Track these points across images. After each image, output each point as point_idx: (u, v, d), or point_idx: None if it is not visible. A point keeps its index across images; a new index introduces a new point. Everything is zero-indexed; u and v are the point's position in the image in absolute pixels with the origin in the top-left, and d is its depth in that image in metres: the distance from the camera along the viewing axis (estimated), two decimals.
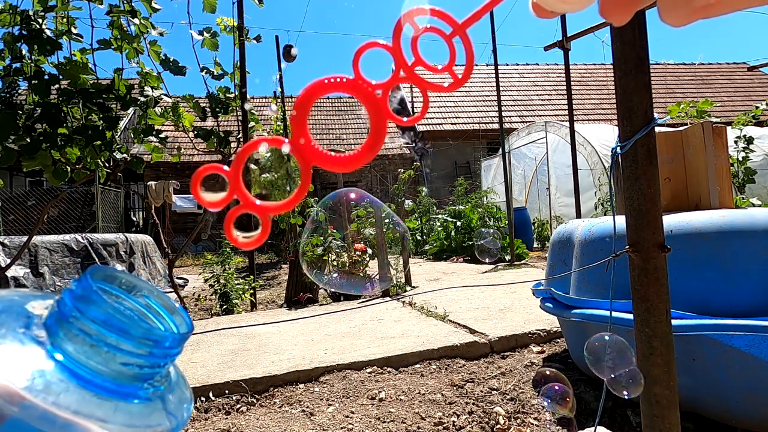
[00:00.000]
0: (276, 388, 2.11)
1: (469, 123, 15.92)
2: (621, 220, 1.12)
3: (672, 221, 1.48)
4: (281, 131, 6.93)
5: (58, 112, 2.63)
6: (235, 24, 4.26)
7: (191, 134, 3.67)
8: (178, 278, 6.12)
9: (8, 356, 0.19)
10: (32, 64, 2.67)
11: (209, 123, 3.69)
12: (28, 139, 2.61)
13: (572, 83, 5.67)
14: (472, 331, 2.63)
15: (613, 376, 0.86)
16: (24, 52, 2.64)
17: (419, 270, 6.35)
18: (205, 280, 4.38)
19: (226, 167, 0.25)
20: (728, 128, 4.13)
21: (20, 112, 2.60)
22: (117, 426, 0.20)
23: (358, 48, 0.27)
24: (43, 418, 0.18)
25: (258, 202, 0.24)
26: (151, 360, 0.22)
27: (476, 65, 18.09)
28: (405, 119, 0.28)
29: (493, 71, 6.87)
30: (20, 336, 0.20)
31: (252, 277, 4.47)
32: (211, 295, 4.38)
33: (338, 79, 0.25)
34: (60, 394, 0.19)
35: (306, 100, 0.25)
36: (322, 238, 4.52)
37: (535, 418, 1.70)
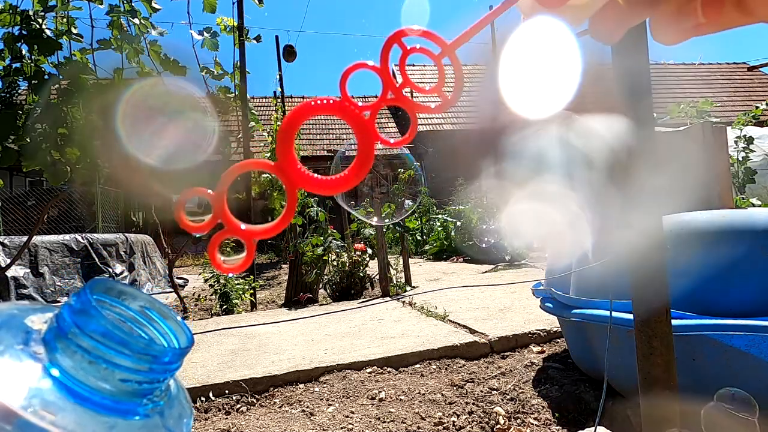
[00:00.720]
0: (276, 388, 2.11)
1: (469, 123, 15.92)
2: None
3: (672, 221, 1.48)
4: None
5: (58, 112, 2.63)
6: (235, 24, 4.26)
7: None
8: (178, 278, 6.12)
9: (5, 373, 0.19)
10: (32, 64, 2.67)
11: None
12: (28, 139, 2.61)
13: None
14: (472, 331, 2.63)
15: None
16: (24, 52, 2.64)
17: (419, 270, 6.35)
18: (205, 280, 4.38)
19: (210, 190, 0.24)
20: (728, 128, 4.12)
21: (20, 112, 2.60)
22: None
23: (346, 69, 0.26)
24: None
25: (243, 226, 0.24)
26: (151, 376, 0.22)
27: (476, 65, 18.07)
28: (392, 141, 0.27)
29: None
30: (18, 352, 0.20)
31: (252, 277, 4.47)
32: (211, 295, 4.38)
33: (325, 101, 0.25)
34: (57, 413, 0.19)
35: (292, 122, 0.24)
36: (321, 238, 4.52)
37: (535, 418, 1.70)
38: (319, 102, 0.25)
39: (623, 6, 0.28)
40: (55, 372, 0.20)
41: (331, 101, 0.25)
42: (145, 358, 0.21)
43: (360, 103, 0.25)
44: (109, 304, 0.24)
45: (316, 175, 0.25)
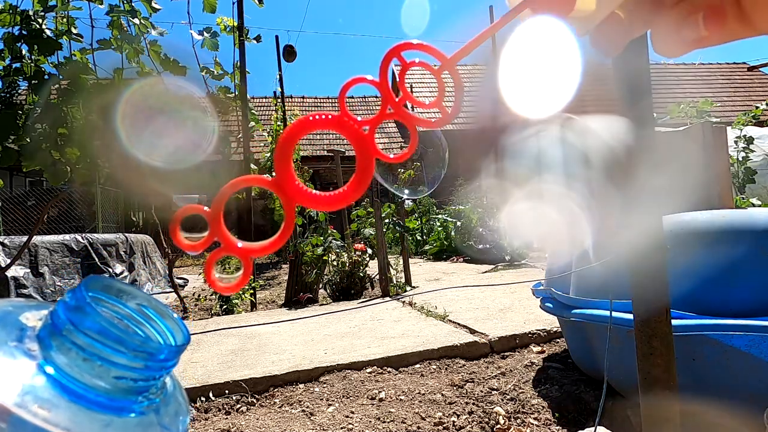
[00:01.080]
0: (276, 388, 2.11)
1: (469, 123, 15.92)
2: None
3: (672, 221, 1.48)
4: (281, 131, 6.94)
5: (58, 112, 2.64)
6: (235, 24, 4.26)
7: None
8: (178, 278, 6.12)
9: None
10: (32, 64, 2.67)
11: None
12: (28, 139, 2.61)
13: None
14: (472, 331, 2.63)
15: None
16: (24, 52, 2.64)
17: (419, 270, 6.35)
18: (205, 280, 4.37)
19: (206, 207, 0.24)
20: (728, 128, 4.12)
21: (20, 112, 2.60)
22: None
23: (344, 84, 0.26)
24: None
25: (240, 244, 0.24)
26: (146, 373, 0.22)
27: (476, 65, 18.00)
28: (392, 156, 0.27)
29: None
30: (12, 349, 0.20)
31: (252, 277, 4.46)
32: (211, 295, 4.38)
33: (323, 116, 0.25)
34: (51, 410, 0.19)
35: (291, 137, 0.24)
36: (322, 238, 4.52)
37: (535, 418, 1.70)
38: (317, 117, 0.24)
39: (624, 19, 0.28)
40: (49, 369, 0.20)
41: (330, 116, 0.25)
42: (141, 355, 0.21)
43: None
44: (105, 301, 0.23)
45: (314, 191, 0.25)
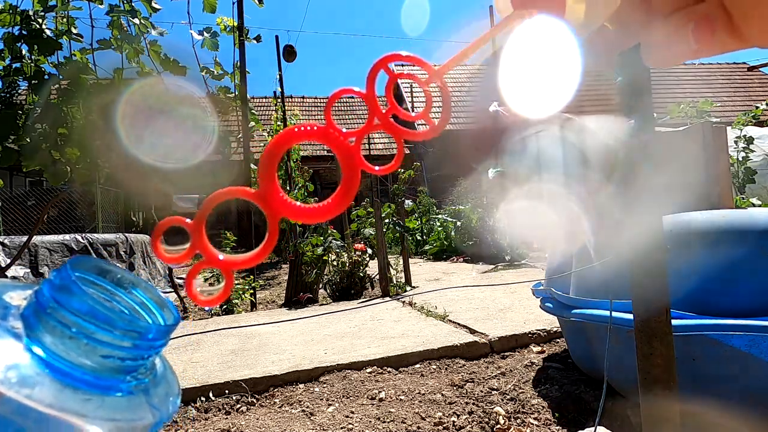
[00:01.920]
0: (276, 388, 2.11)
1: (469, 123, 15.92)
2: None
3: (672, 221, 1.48)
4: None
5: (58, 112, 2.63)
6: (235, 24, 4.26)
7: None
8: (178, 278, 6.12)
9: None
10: (32, 64, 2.67)
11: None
12: (28, 139, 2.61)
13: None
14: (472, 331, 2.63)
15: None
16: (24, 52, 2.64)
17: (419, 270, 6.35)
18: (205, 280, 4.38)
19: (188, 220, 0.24)
20: (728, 128, 4.12)
21: (20, 112, 2.60)
22: (97, 420, 0.19)
23: (331, 95, 0.26)
24: (18, 411, 0.18)
25: (221, 256, 0.24)
26: (134, 352, 0.21)
27: (476, 65, 18.02)
28: (377, 168, 0.27)
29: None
30: None
31: (252, 277, 4.47)
32: None
33: (309, 128, 0.24)
34: (35, 387, 0.18)
35: (275, 149, 0.24)
36: (321, 238, 4.52)
37: (535, 418, 1.70)
38: (303, 128, 0.24)
39: (612, 33, 0.27)
40: (33, 347, 0.20)
41: (315, 127, 0.24)
42: (129, 334, 0.21)
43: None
44: (91, 281, 0.23)
45: (298, 203, 0.25)
